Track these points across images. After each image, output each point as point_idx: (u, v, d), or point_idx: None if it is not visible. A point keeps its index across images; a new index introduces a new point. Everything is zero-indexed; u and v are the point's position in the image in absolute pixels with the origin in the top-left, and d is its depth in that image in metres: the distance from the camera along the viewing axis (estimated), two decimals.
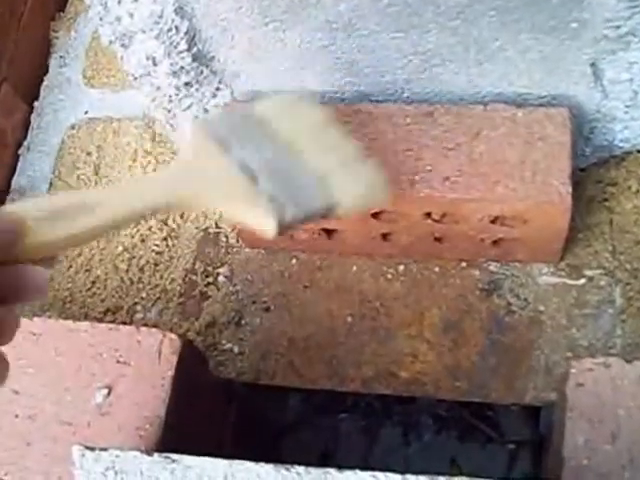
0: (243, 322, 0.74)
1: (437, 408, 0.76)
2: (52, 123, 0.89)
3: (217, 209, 0.49)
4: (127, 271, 0.78)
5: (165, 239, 0.79)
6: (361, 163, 0.50)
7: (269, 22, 0.61)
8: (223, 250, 0.78)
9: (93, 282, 0.79)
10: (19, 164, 0.88)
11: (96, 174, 0.84)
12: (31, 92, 0.92)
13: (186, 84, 0.67)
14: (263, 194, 0.45)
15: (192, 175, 0.45)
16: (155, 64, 0.64)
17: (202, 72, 0.66)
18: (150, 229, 0.79)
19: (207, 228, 0.79)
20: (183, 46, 0.62)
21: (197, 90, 0.69)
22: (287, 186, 0.46)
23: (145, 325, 0.65)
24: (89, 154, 0.86)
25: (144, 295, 0.77)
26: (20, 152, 0.89)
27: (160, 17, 0.59)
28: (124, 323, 0.75)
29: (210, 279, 0.77)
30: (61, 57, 0.93)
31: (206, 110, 0.71)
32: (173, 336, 0.62)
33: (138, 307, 0.77)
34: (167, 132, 0.83)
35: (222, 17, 0.61)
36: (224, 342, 0.73)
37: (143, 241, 0.79)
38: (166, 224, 0.79)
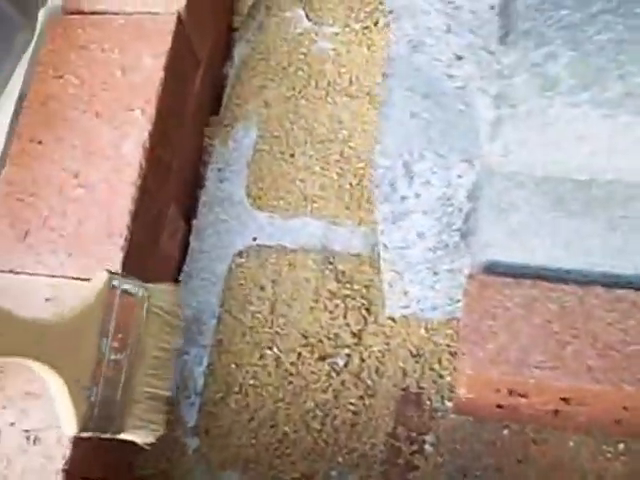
0: None
1: None
2: (216, 248, 0.83)
3: (47, 380, 0.52)
4: (320, 431, 0.72)
5: (361, 397, 0.73)
6: (162, 405, 0.61)
7: (556, 210, 0.57)
8: (427, 414, 0.72)
9: (280, 440, 0.72)
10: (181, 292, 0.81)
11: (272, 312, 0.78)
12: (188, 208, 0.85)
13: (438, 257, 0.62)
14: (91, 400, 0.52)
15: (62, 341, 0.50)
16: (421, 239, 0.59)
17: (458, 245, 0.61)
18: (343, 384, 0.74)
19: (407, 387, 0.73)
20: (457, 225, 0.57)
21: (440, 259, 0.64)
22: (108, 399, 0.54)
23: None
24: (262, 289, 0.79)
25: (341, 460, 0.71)
26: (181, 278, 0.82)
27: (449, 200, 0.54)
28: None
29: (415, 446, 0.71)
30: (219, 170, 0.87)
31: (435, 273, 0.66)
32: None
33: (333, 472, 0.71)
34: (351, 271, 0.78)
35: (509, 201, 0.57)
36: None
37: (336, 397, 0.73)
38: (360, 379, 0.74)
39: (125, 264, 0.68)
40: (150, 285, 0.60)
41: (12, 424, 0.63)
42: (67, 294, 0.67)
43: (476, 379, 0.61)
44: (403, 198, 0.54)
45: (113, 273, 0.57)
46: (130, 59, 0.78)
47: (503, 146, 0.49)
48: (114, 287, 0.56)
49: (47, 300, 0.67)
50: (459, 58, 0.48)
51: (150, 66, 0.77)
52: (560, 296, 0.66)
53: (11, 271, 0.70)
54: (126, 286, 0.56)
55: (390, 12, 0.50)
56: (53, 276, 0.69)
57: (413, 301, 0.71)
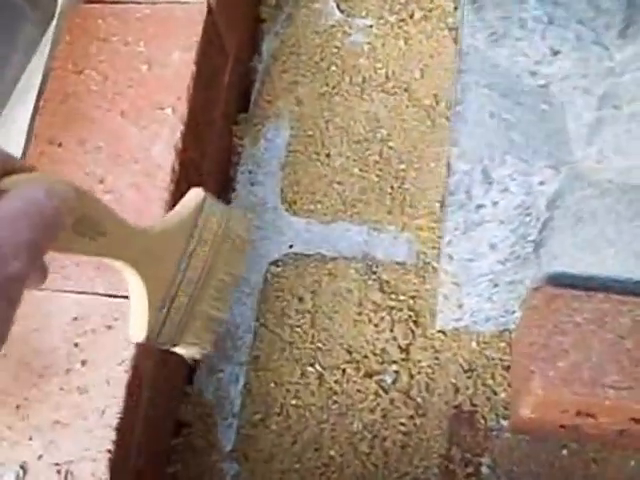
0: None
1: None
2: (249, 256, 0.77)
3: (131, 286, 0.52)
4: (369, 454, 0.67)
5: (411, 417, 0.68)
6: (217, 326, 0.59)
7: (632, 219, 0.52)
8: (482, 434, 0.68)
9: (326, 465, 0.67)
10: None
11: (312, 326, 0.73)
12: None
13: (505, 269, 0.57)
14: (163, 312, 0.52)
15: (154, 251, 0.50)
16: (492, 251, 0.54)
17: (528, 257, 0.56)
18: (392, 403, 0.69)
19: (459, 405, 0.68)
20: (533, 236, 0.52)
21: (505, 271, 0.59)
22: (175, 314, 0.53)
23: None
24: (301, 300, 0.74)
25: None
26: None
27: (527, 209, 0.49)
28: None
29: (470, 469, 0.66)
30: (250, 172, 0.81)
31: (496, 285, 0.61)
32: None
33: None
34: (396, 281, 0.73)
35: (590, 210, 0.52)
36: None
37: (385, 417, 0.68)
38: (410, 397, 0.69)
39: None
40: (229, 208, 0.61)
41: (40, 457, 0.57)
42: (95, 311, 0.62)
43: (545, 399, 0.56)
44: (479, 207, 0.49)
45: (205, 193, 0.58)
46: (157, 52, 0.72)
47: (599, 151, 0.44)
48: (203, 207, 0.56)
49: (74, 319, 0.62)
50: (555, 53, 0.43)
51: (179, 60, 0.72)
52: (632, 309, 0.62)
53: None
54: (213, 208, 0.56)
55: (473, 2, 0.45)
56: (80, 293, 0.63)
57: (467, 313, 0.66)
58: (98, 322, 0.61)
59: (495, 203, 0.49)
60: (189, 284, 0.55)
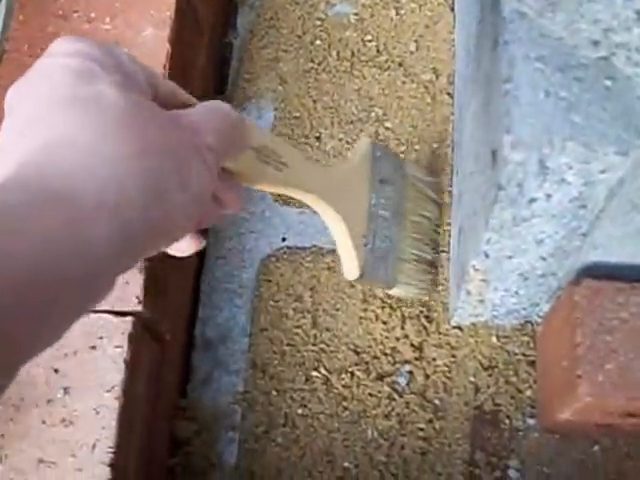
0: None
1: None
2: (239, 252, 0.70)
3: (329, 224, 0.54)
4: (387, 463, 0.62)
5: (430, 420, 0.63)
6: (429, 268, 0.63)
7: None
8: (507, 434, 0.63)
9: (340, 478, 0.62)
10: (201, 306, 0.68)
11: (314, 326, 0.66)
12: None
13: (547, 264, 0.51)
14: (368, 248, 0.55)
15: (340, 186, 0.52)
16: (538, 246, 0.48)
17: (578, 249, 0.51)
18: (408, 406, 0.63)
19: (480, 405, 0.63)
20: (583, 229, 0.47)
21: (543, 266, 0.53)
22: (381, 252, 0.56)
23: None
24: (299, 299, 0.67)
25: None
26: (202, 288, 0.69)
27: (584, 200, 0.43)
28: None
29: (497, 473, 0.62)
30: None
31: (526, 279, 0.56)
32: None
33: None
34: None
35: None
36: None
37: (401, 423, 0.63)
38: (426, 399, 0.63)
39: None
40: (399, 155, 0.65)
41: None
42: (75, 330, 0.54)
43: (593, 405, 0.51)
44: (531, 201, 0.43)
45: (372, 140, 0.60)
46: (126, 30, 0.63)
47: None
48: (374, 152, 0.58)
49: None
50: None
51: (152, 38, 0.64)
52: None
53: None
54: (383, 152, 0.59)
55: None
56: None
57: (488, 308, 0.61)
58: (80, 343, 0.53)
59: (549, 196, 0.43)
60: (385, 222, 0.57)
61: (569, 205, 0.43)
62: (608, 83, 0.39)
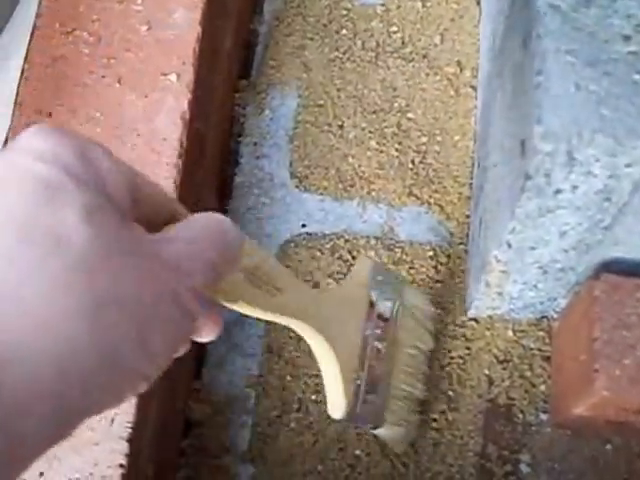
0: None
1: None
2: (257, 237, 0.70)
3: (317, 352, 0.48)
4: (398, 455, 0.62)
5: (443, 412, 0.63)
6: (418, 407, 0.58)
7: None
8: (520, 429, 0.63)
9: (351, 466, 0.62)
10: None
11: None
12: (221, 187, 0.72)
13: (567, 257, 0.51)
14: (356, 383, 0.49)
15: (334, 314, 0.46)
16: (560, 238, 0.48)
17: (600, 242, 0.51)
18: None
19: (495, 398, 0.63)
20: (606, 223, 0.47)
21: (565, 258, 0.53)
22: (371, 388, 0.50)
23: None
24: (317, 286, 0.68)
25: None
26: None
27: (609, 193, 0.43)
28: None
29: (508, 467, 0.62)
30: (255, 144, 0.74)
31: (545, 272, 0.56)
32: None
33: None
34: (420, 264, 0.67)
35: None
36: None
37: None
38: (440, 390, 0.64)
39: None
40: (400, 277, 0.58)
41: (42, 474, 0.49)
42: None
43: (609, 400, 0.52)
44: (557, 192, 0.43)
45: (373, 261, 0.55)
46: (157, 11, 0.64)
47: None
48: (374, 275, 0.52)
49: None
50: None
51: (183, 20, 0.64)
52: None
53: None
54: (384, 276, 0.53)
55: None
56: None
57: (505, 301, 0.61)
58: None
59: (575, 187, 0.43)
60: (379, 356, 0.51)
61: (594, 197, 0.43)
62: (637, 78, 0.40)
